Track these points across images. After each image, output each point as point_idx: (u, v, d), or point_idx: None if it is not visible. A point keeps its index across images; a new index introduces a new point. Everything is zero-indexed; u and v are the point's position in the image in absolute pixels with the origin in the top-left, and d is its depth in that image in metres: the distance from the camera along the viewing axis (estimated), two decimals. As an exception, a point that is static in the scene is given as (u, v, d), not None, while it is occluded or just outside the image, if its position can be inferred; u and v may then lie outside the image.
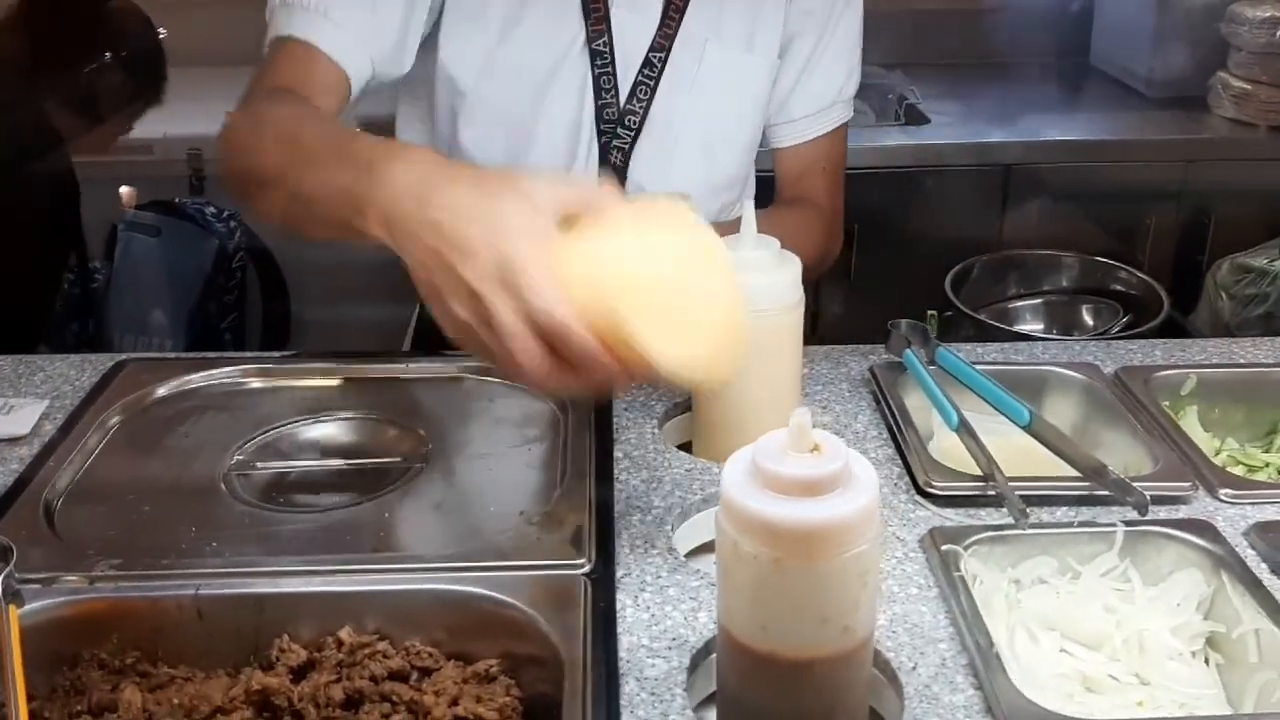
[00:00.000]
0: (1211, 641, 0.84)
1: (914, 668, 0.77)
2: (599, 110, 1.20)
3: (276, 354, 1.15)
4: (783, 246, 1.07)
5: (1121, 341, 1.23)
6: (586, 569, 0.84)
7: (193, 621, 0.82)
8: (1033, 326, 2.32)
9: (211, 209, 2.48)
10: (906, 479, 0.97)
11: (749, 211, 0.98)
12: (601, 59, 1.19)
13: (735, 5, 1.23)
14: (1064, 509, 0.92)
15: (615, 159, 1.22)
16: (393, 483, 0.96)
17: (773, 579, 0.65)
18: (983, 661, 0.75)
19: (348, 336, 2.49)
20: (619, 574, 0.85)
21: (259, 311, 2.61)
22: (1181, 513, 0.91)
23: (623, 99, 1.21)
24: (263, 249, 2.54)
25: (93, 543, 0.87)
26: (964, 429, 0.98)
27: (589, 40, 1.18)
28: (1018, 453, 0.99)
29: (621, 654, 0.77)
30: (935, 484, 0.93)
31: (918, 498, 0.95)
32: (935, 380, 1.05)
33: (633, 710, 0.73)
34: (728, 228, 0.95)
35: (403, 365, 1.12)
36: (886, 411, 1.06)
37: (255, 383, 1.10)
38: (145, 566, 0.84)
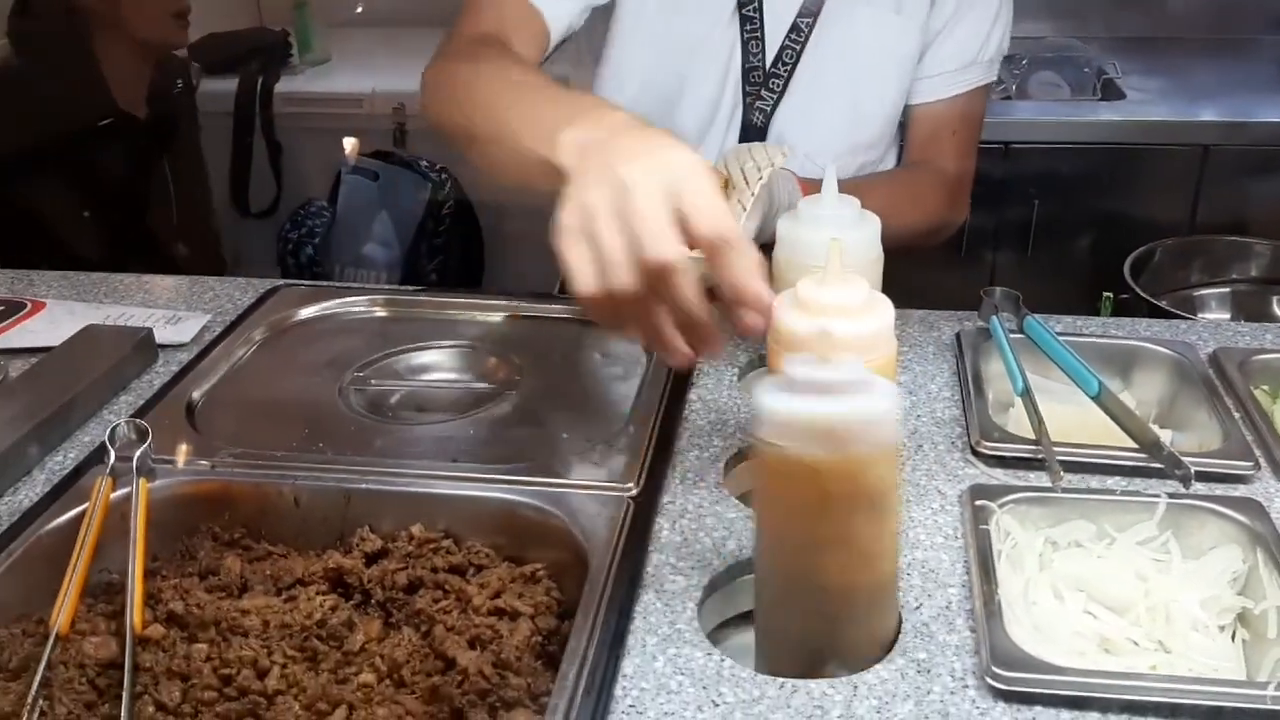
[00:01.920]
0: (1243, 619, 0.84)
1: (918, 607, 0.80)
2: (745, 73, 1.26)
3: (407, 288, 1.27)
4: (891, 209, 1.11)
5: (1238, 324, 1.20)
6: (634, 492, 0.92)
7: (290, 507, 0.94)
8: (1218, 316, 2.22)
9: (424, 160, 2.66)
10: (965, 439, 0.99)
11: (830, 173, 1.02)
12: (751, 24, 1.24)
13: None
14: (1116, 478, 0.93)
15: (757, 119, 1.28)
16: (481, 405, 1.06)
17: (796, 481, 0.71)
18: (984, 607, 0.78)
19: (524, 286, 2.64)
20: (664, 500, 0.92)
21: (460, 257, 2.78)
22: (1239, 492, 0.90)
23: (768, 61, 1.26)
24: (466, 201, 2.72)
25: (220, 435, 1.01)
26: (1027, 395, 1.00)
27: (740, 5, 1.23)
28: (1090, 423, 1.00)
29: (648, 569, 0.85)
30: (985, 444, 0.96)
31: (970, 457, 0.97)
32: (1013, 347, 1.06)
33: (645, 616, 0.80)
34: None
35: (511, 304, 1.22)
36: (960, 375, 1.08)
37: (382, 312, 1.23)
38: (257, 458, 0.97)
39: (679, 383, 1.08)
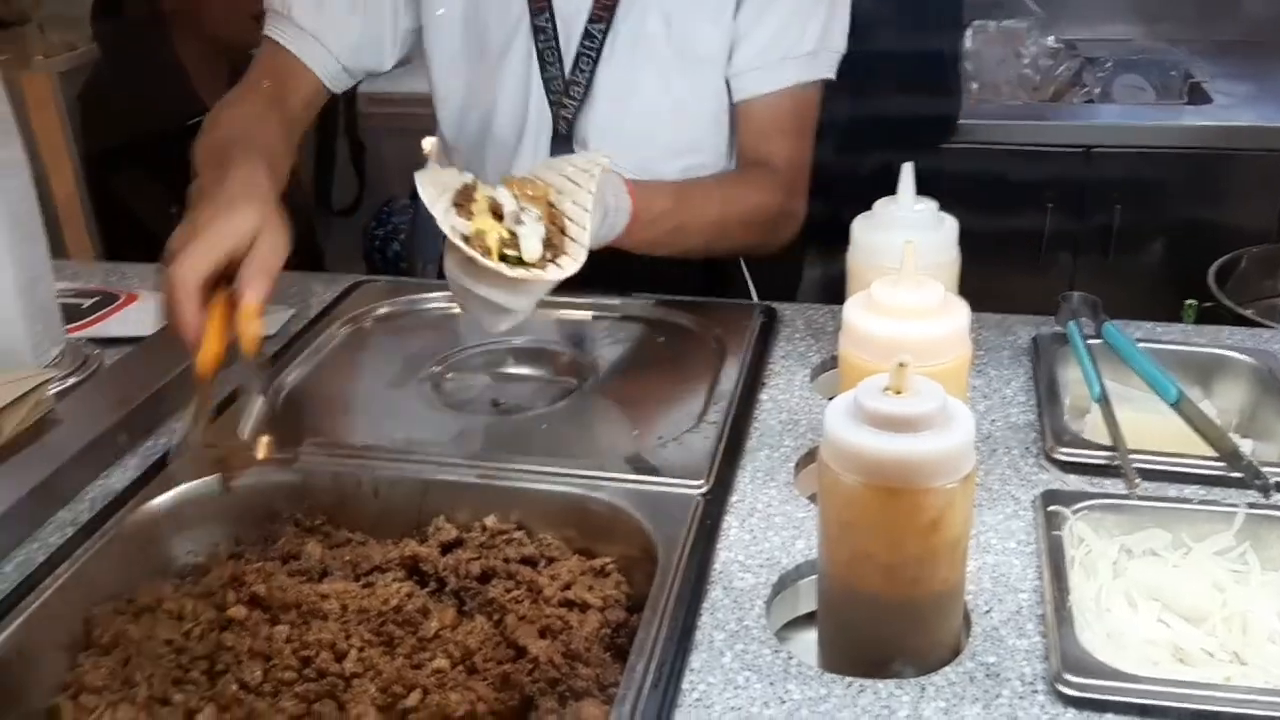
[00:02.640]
0: (1325, 633, 0.82)
1: (988, 611, 0.80)
2: (546, 82, 1.27)
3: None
4: (723, 209, 1.19)
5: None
6: (703, 490, 0.93)
7: (369, 496, 0.96)
8: (1306, 327, 2.17)
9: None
10: (1039, 444, 0.99)
11: (907, 172, 1.02)
12: (544, 34, 1.26)
13: None
14: (1193, 487, 0.91)
15: (562, 128, 1.28)
16: (555, 400, 1.08)
17: (862, 509, 0.72)
18: (1055, 613, 0.78)
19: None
20: (733, 499, 0.93)
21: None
22: (1323, 504, 0.89)
23: (567, 69, 1.26)
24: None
25: (304, 425, 1.04)
26: (1104, 401, 0.99)
27: (532, 16, 1.25)
28: (1168, 431, 0.99)
29: (716, 565, 0.85)
30: (1060, 450, 0.95)
31: (1044, 462, 0.96)
32: (1090, 353, 1.05)
33: (713, 612, 0.81)
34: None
35: (587, 300, 1.23)
36: (1036, 379, 1.07)
37: (459, 308, 1.25)
38: (338, 448, 0.99)
39: (751, 382, 1.08)
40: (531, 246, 0.92)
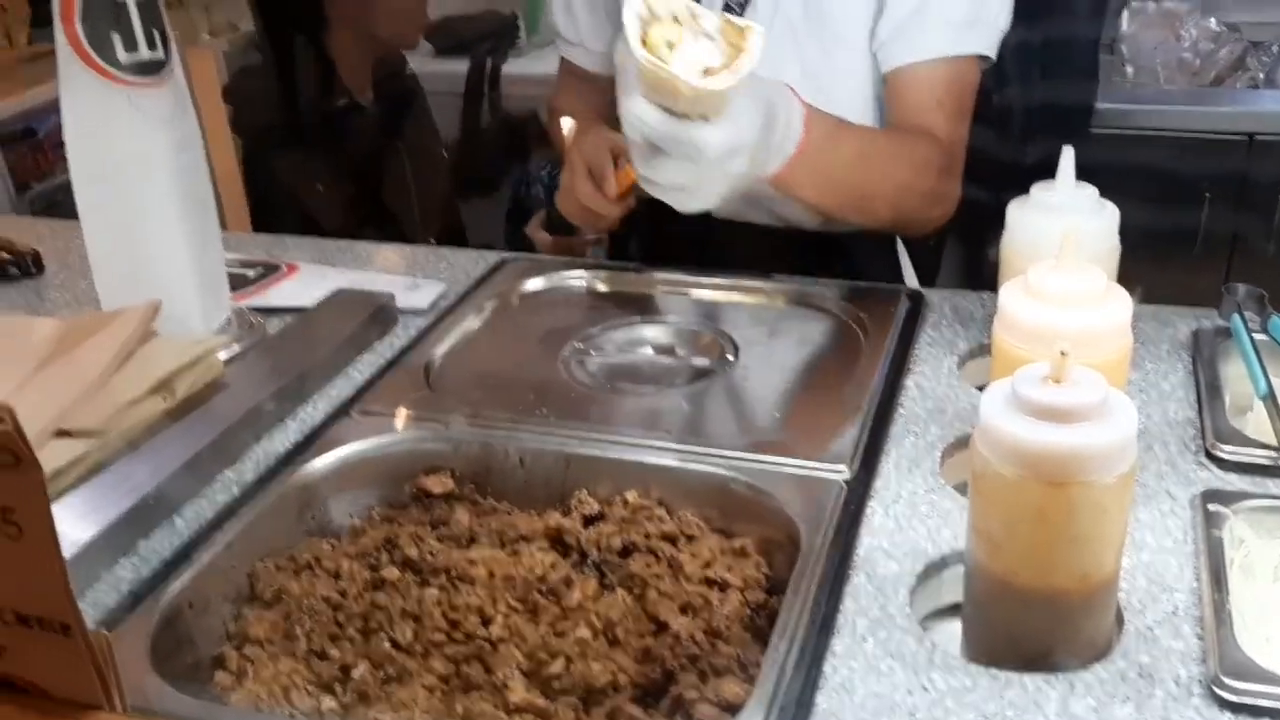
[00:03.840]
0: None
1: (1142, 610, 0.78)
2: None
3: (626, 263, 1.31)
4: (883, 160, 1.15)
5: None
6: (846, 475, 0.92)
7: (515, 467, 0.99)
8: None
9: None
10: (1198, 441, 0.95)
11: (1067, 156, 0.99)
12: None
13: None
14: (1368, 493, 0.87)
15: None
16: (696, 380, 1.09)
17: (1017, 501, 0.71)
18: (1214, 615, 0.75)
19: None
20: (877, 484, 0.92)
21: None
22: None
23: None
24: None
25: (454, 396, 1.07)
26: (1270, 398, 0.94)
27: None
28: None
29: (859, 551, 0.85)
30: (1222, 448, 0.92)
31: (1204, 459, 0.93)
32: (1256, 348, 1.01)
33: (855, 598, 0.81)
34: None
35: (728, 281, 1.24)
36: (1197, 374, 1.03)
37: (603, 286, 1.27)
38: (487, 419, 1.02)
39: (897, 367, 1.07)
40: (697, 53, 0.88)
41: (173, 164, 1.08)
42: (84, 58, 1.03)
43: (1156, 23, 2.67)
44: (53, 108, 2.28)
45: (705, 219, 1.34)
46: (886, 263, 1.41)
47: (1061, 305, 0.84)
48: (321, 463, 0.98)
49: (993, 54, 1.24)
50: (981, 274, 2.34)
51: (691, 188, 0.97)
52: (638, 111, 0.92)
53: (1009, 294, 0.88)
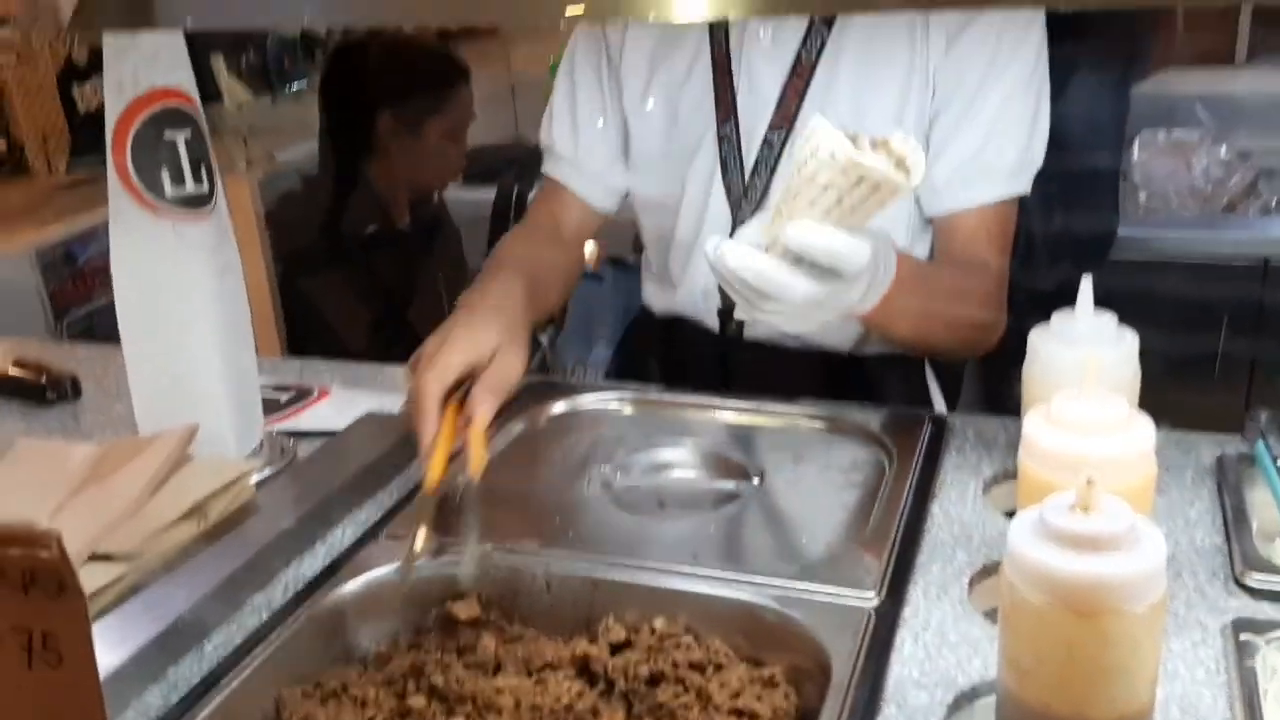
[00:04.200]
0: None
1: (1178, 744, 0.77)
2: (726, 187, 1.31)
3: (650, 386, 1.33)
4: (950, 300, 1.17)
5: None
6: (875, 603, 0.92)
7: (542, 591, 0.99)
8: None
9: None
10: (1227, 569, 0.95)
11: (1086, 285, 1.01)
12: (727, 142, 1.30)
13: (871, 83, 1.24)
14: (1403, 623, 0.86)
15: None
16: (722, 504, 1.09)
17: (1048, 630, 0.71)
18: (1252, 750, 0.74)
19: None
20: (906, 612, 0.92)
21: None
22: None
23: (746, 175, 1.30)
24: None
25: (482, 520, 1.07)
26: (1299, 526, 0.95)
27: (719, 125, 1.30)
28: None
29: (889, 681, 0.84)
30: (1252, 576, 0.91)
31: (1233, 587, 0.92)
32: (1282, 475, 1.01)
33: (886, 729, 0.80)
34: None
35: (750, 405, 1.25)
36: (1222, 501, 1.03)
37: (628, 410, 1.28)
38: (513, 542, 1.03)
39: (922, 492, 1.08)
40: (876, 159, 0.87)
41: (214, 291, 1.11)
42: (132, 191, 1.08)
43: (1167, 151, 2.73)
44: (92, 235, 2.37)
45: (730, 340, 1.37)
46: (913, 386, 1.42)
47: (1085, 433, 0.85)
48: (350, 588, 0.99)
49: (1028, 191, 1.29)
50: (1004, 398, 2.36)
51: (805, 315, 0.96)
52: (799, 232, 0.89)
53: (1033, 422, 0.89)
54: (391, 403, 1.31)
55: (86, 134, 2.77)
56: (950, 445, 1.18)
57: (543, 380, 1.37)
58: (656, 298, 1.47)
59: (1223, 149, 2.68)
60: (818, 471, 1.15)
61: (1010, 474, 1.13)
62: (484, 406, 1.07)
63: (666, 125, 1.35)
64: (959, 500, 1.08)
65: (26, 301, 2.18)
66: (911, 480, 1.09)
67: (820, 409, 1.24)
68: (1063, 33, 2.08)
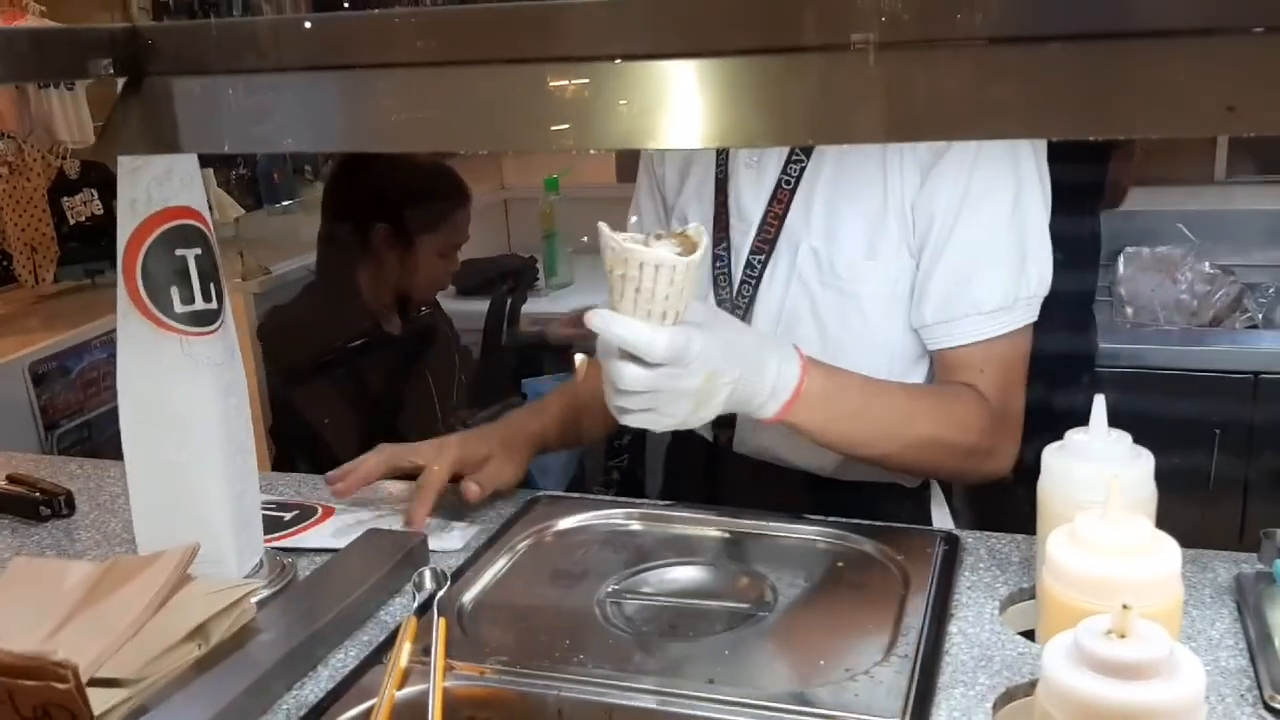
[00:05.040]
0: None
1: None
2: (718, 303, 1.33)
3: (657, 502, 1.31)
4: (912, 414, 1.21)
5: None
6: (899, 729, 0.90)
7: (553, 716, 0.96)
8: None
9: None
10: (1254, 692, 0.93)
11: (1099, 404, 1.01)
12: (720, 260, 1.35)
13: (842, 212, 1.26)
14: None
15: None
16: (736, 625, 1.07)
17: None
18: None
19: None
20: (930, 739, 0.90)
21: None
22: None
23: (734, 291, 1.34)
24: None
25: (489, 640, 1.05)
26: (1325, 648, 0.93)
27: (715, 244, 1.34)
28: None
29: (918, 811, 0.82)
30: (1282, 700, 0.90)
31: (1263, 712, 0.91)
32: (1302, 595, 1.00)
33: None
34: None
35: (760, 522, 1.24)
36: (1244, 621, 1.02)
37: (636, 525, 1.27)
38: (523, 666, 1.00)
39: (938, 614, 1.06)
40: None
41: (219, 408, 1.10)
42: (141, 307, 1.07)
43: (1152, 266, 2.78)
44: (85, 347, 2.36)
45: (721, 450, 1.37)
46: (909, 507, 1.40)
47: (1111, 555, 0.84)
48: (354, 714, 0.95)
49: (1034, 318, 1.27)
50: (996, 515, 2.35)
51: (657, 407, 1.03)
52: (604, 318, 1.00)
53: (1057, 543, 0.88)
54: (394, 520, 1.30)
55: (74, 246, 2.79)
56: (964, 564, 1.16)
57: (548, 495, 1.36)
58: None
59: (1206, 264, 2.73)
60: (831, 591, 1.13)
61: (1027, 593, 1.11)
62: (441, 471, 1.30)
63: None
64: (976, 621, 1.06)
65: (17, 413, 2.15)
66: (928, 600, 1.07)
67: (830, 527, 1.23)
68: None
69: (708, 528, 1.26)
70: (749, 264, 1.32)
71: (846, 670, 0.98)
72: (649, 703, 0.95)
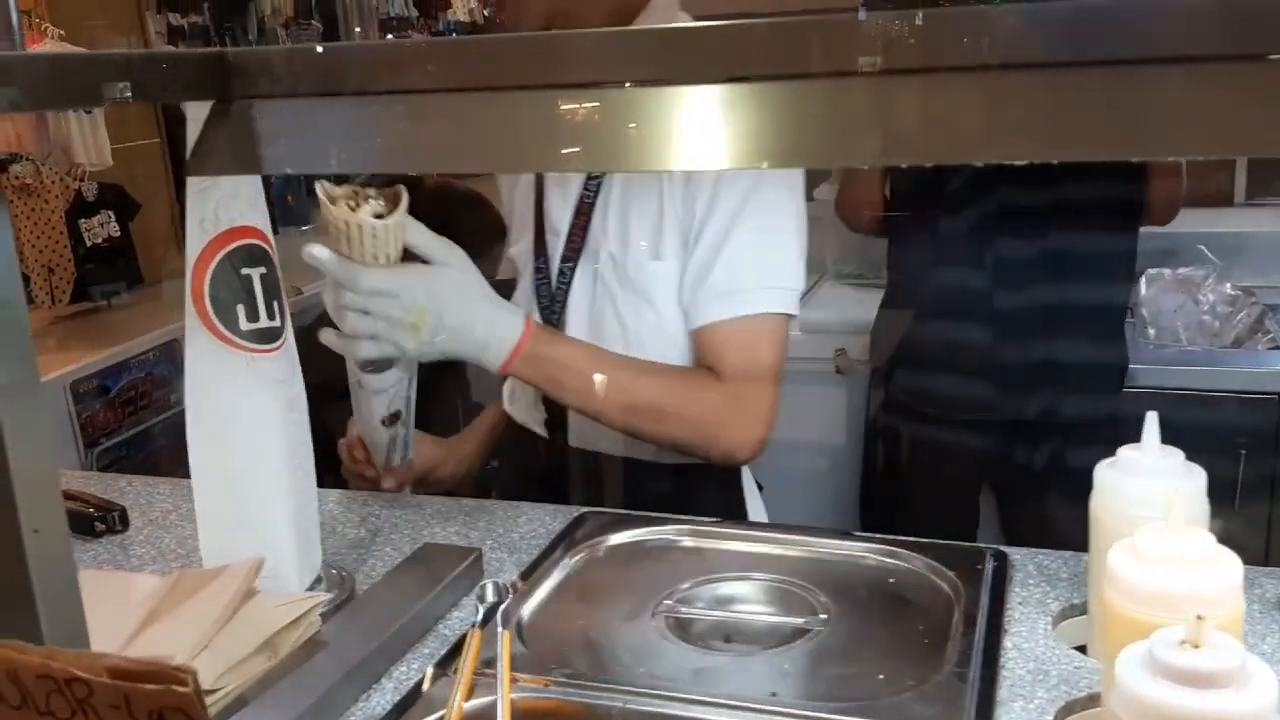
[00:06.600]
0: None
1: None
2: (541, 308, 1.49)
3: (704, 519, 1.33)
4: (638, 383, 1.36)
5: None
6: (963, 741, 0.91)
7: (620, 731, 0.98)
8: None
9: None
10: (1312, 706, 0.94)
11: (1152, 421, 1.03)
12: (540, 273, 1.50)
13: (631, 220, 1.41)
14: None
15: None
16: (793, 639, 1.08)
17: None
18: None
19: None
20: (993, 751, 0.91)
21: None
22: None
23: (551, 298, 1.48)
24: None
25: (550, 653, 1.07)
26: (1382, 662, 0.94)
27: (535, 258, 1.51)
28: None
29: (987, 821, 0.83)
30: (1341, 713, 0.91)
31: (1322, 726, 0.92)
32: (1355, 610, 1.01)
33: None
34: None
35: (808, 538, 1.26)
36: (1297, 636, 1.03)
37: (688, 541, 1.28)
38: (585, 679, 1.01)
39: (993, 629, 1.07)
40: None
41: (283, 424, 1.12)
42: (209, 325, 1.09)
43: (1174, 287, 2.79)
44: (124, 368, 2.38)
45: (557, 451, 1.52)
46: (723, 494, 1.51)
47: (1174, 567, 0.86)
48: (424, 723, 0.97)
49: (784, 309, 1.40)
50: (1019, 527, 2.36)
51: (379, 332, 1.20)
52: (313, 251, 1.17)
53: (1119, 557, 0.89)
54: (450, 532, 1.32)
55: (90, 267, 2.82)
56: (1014, 579, 1.18)
57: (596, 511, 1.37)
58: (510, 408, 1.62)
59: (1227, 286, 2.75)
60: (885, 606, 1.15)
61: (1078, 609, 1.13)
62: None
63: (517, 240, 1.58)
64: (1030, 636, 1.08)
65: (58, 430, 2.17)
66: (981, 615, 1.09)
67: (876, 543, 1.24)
68: (1078, 174, 2.16)
69: (757, 544, 1.27)
70: (561, 272, 1.47)
71: (908, 685, 1.00)
72: (715, 716, 0.96)
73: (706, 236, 1.38)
